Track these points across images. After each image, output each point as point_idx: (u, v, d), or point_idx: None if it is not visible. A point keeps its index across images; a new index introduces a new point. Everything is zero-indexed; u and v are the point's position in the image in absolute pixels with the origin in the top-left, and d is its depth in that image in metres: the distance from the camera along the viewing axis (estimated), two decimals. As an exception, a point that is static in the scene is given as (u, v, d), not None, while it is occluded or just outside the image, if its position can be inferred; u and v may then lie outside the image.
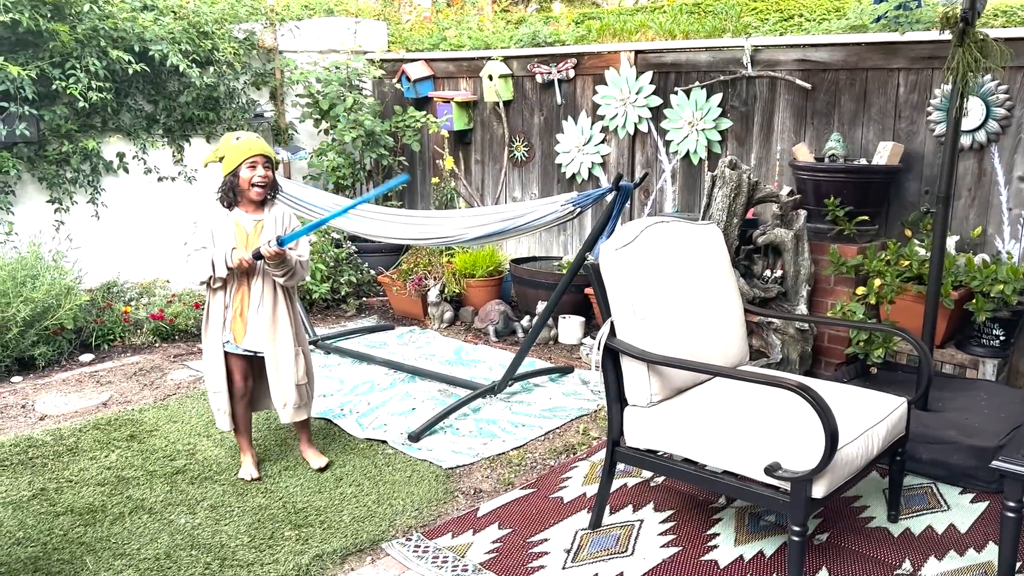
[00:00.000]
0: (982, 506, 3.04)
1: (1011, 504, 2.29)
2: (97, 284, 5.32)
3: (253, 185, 3.17)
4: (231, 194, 3.20)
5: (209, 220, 3.21)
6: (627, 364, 2.73)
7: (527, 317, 5.38)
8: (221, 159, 3.20)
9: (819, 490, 2.36)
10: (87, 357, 4.84)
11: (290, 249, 3.19)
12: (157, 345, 5.10)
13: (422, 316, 5.61)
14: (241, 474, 3.34)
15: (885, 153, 4.16)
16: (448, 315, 5.49)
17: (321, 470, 3.38)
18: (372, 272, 6.09)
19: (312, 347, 5.00)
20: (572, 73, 5.55)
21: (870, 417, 2.60)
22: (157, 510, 3.07)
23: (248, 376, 3.34)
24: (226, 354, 3.26)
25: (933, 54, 4.09)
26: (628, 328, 2.71)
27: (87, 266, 5.25)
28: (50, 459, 3.49)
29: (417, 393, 4.23)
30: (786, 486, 2.38)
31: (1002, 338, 3.82)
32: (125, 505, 3.10)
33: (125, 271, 5.49)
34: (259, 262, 3.17)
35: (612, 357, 2.76)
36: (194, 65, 5.34)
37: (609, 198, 3.67)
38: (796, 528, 2.37)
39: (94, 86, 4.93)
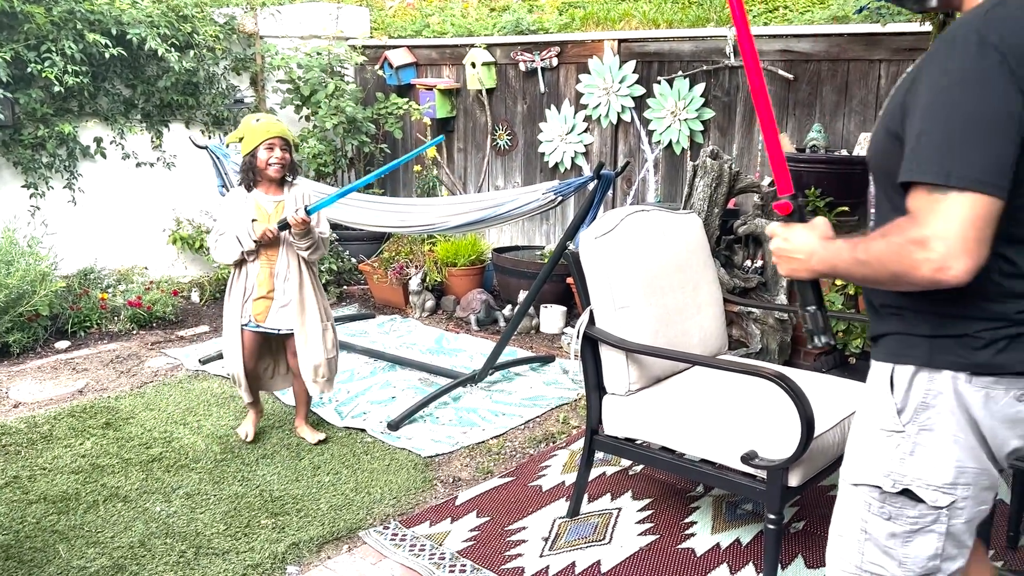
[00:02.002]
0: (956, 495, 3.07)
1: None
2: (74, 270, 5.25)
3: (270, 165, 3.25)
4: (250, 175, 3.30)
5: (230, 204, 3.33)
6: (606, 353, 2.73)
7: (509, 306, 5.37)
8: (241, 139, 3.30)
9: (795, 479, 2.37)
10: (63, 344, 4.78)
11: (315, 226, 3.30)
12: (134, 332, 5.05)
13: (403, 305, 5.58)
14: (238, 429, 3.56)
15: (866, 144, 4.17)
16: (429, 304, 5.47)
17: (320, 443, 3.51)
18: (353, 260, 6.05)
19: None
20: (555, 61, 5.53)
21: (847, 407, 2.62)
22: (132, 498, 3.04)
23: (255, 356, 3.43)
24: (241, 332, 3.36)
25: (914, 46, 4.09)
26: (607, 317, 2.70)
27: (63, 252, 5.17)
28: (23, 447, 3.45)
29: (397, 382, 4.21)
30: (762, 474, 2.39)
31: (979, 329, 3.85)
32: (99, 493, 3.07)
33: (102, 258, 5.43)
34: (284, 233, 3.26)
35: (591, 345, 2.76)
36: (173, 49, 5.27)
37: (591, 187, 3.66)
38: (772, 516, 2.38)
39: (70, 70, 4.85)
